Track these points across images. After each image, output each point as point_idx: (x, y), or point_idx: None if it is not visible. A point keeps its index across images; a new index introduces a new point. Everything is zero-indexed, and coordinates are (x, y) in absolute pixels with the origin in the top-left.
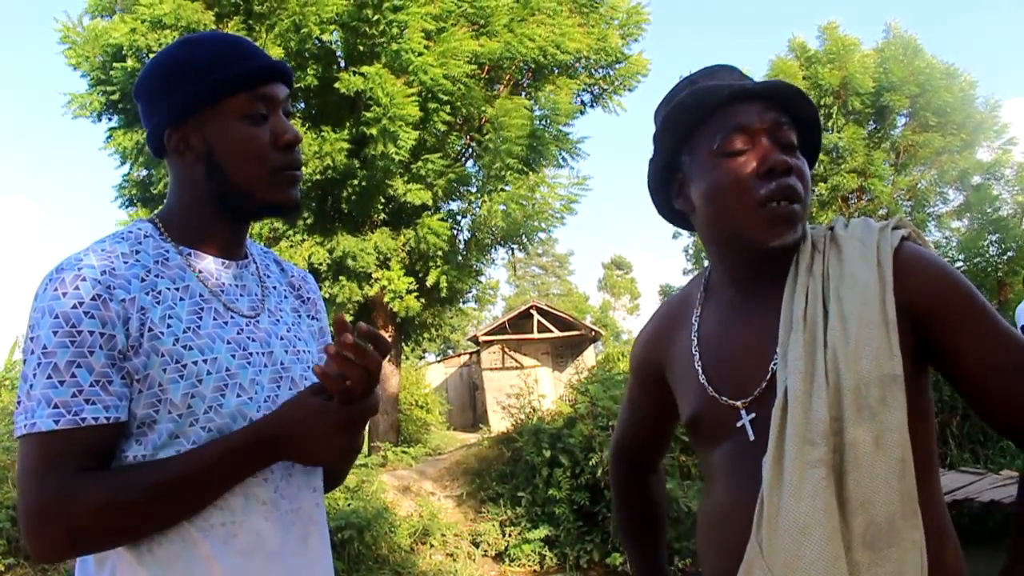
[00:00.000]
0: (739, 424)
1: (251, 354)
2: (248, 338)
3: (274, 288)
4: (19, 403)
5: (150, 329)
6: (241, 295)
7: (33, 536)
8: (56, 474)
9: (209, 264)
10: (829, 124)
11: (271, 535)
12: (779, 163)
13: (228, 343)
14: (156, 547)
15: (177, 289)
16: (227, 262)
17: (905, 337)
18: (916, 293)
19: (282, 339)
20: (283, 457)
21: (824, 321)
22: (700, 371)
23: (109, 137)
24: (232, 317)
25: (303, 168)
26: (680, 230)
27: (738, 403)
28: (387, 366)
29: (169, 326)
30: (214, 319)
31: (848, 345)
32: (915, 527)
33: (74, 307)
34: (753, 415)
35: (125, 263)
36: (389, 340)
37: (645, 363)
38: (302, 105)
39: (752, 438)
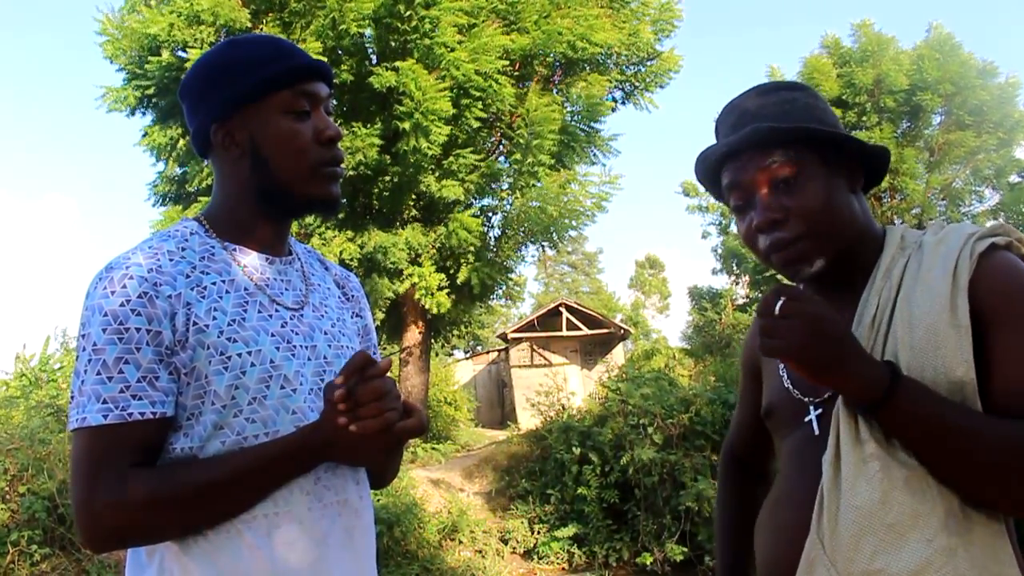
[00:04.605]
0: (807, 419)
1: (295, 347)
2: (292, 331)
3: (319, 284)
4: (72, 398)
5: (195, 323)
6: (286, 289)
7: (83, 528)
8: (106, 468)
9: (254, 259)
10: (862, 121)
11: (315, 525)
12: (761, 224)
13: (272, 335)
14: (202, 539)
15: (223, 282)
16: (271, 258)
17: (977, 341)
18: (984, 295)
19: (326, 333)
20: (327, 459)
21: (888, 324)
22: (781, 364)
23: (144, 134)
24: (277, 310)
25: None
26: (709, 230)
27: (806, 399)
28: (416, 363)
29: (214, 319)
30: (259, 312)
31: (912, 351)
32: (992, 515)
33: (122, 305)
34: (820, 411)
35: (171, 260)
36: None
37: (750, 358)
38: (333, 102)
39: (817, 433)
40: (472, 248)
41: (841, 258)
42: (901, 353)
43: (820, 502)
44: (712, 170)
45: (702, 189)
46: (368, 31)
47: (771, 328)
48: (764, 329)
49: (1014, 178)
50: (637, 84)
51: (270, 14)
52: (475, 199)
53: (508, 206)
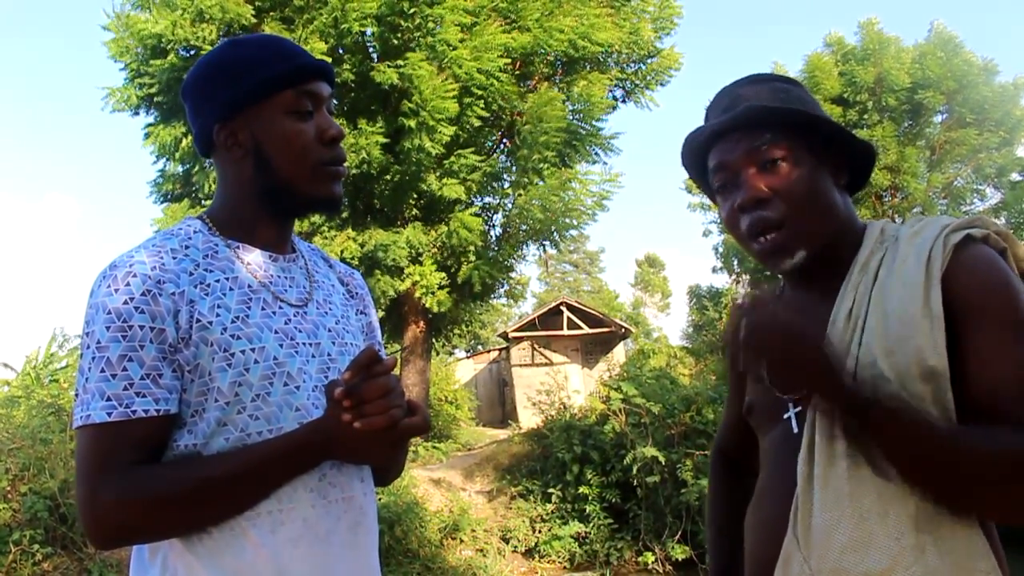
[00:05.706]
0: (786, 416)
1: (298, 344)
2: (296, 328)
3: (323, 282)
4: (76, 396)
5: (198, 320)
6: (289, 287)
7: (88, 525)
8: (110, 466)
9: (257, 257)
10: (864, 119)
11: (319, 522)
12: (745, 202)
13: (276, 333)
14: (206, 536)
15: (226, 280)
16: (275, 255)
17: (951, 334)
18: (959, 287)
19: (330, 331)
20: (331, 458)
21: (864, 317)
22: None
23: (147, 134)
24: (280, 307)
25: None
26: (710, 228)
27: (785, 396)
28: (416, 361)
29: (218, 316)
30: (262, 309)
31: (886, 341)
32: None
33: (125, 303)
34: (799, 408)
35: (174, 258)
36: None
37: (735, 356)
38: (335, 101)
39: (795, 431)
40: (473, 247)
41: (822, 253)
42: (875, 342)
43: (796, 499)
44: (698, 152)
45: None
46: (370, 29)
47: (746, 346)
48: (738, 345)
49: (1016, 176)
50: (638, 82)
51: (273, 12)
52: (476, 198)
53: (509, 205)
